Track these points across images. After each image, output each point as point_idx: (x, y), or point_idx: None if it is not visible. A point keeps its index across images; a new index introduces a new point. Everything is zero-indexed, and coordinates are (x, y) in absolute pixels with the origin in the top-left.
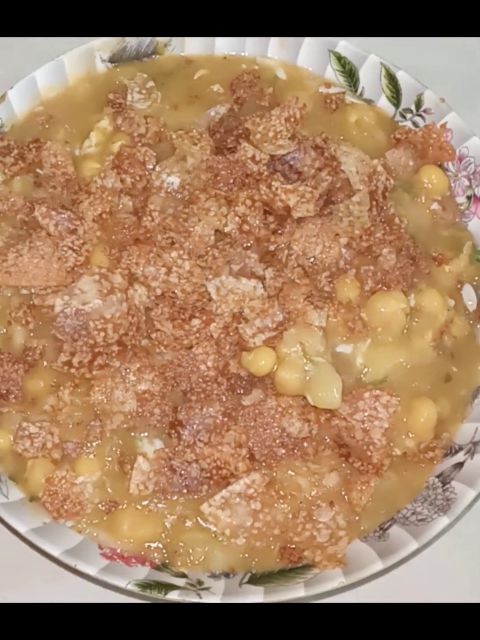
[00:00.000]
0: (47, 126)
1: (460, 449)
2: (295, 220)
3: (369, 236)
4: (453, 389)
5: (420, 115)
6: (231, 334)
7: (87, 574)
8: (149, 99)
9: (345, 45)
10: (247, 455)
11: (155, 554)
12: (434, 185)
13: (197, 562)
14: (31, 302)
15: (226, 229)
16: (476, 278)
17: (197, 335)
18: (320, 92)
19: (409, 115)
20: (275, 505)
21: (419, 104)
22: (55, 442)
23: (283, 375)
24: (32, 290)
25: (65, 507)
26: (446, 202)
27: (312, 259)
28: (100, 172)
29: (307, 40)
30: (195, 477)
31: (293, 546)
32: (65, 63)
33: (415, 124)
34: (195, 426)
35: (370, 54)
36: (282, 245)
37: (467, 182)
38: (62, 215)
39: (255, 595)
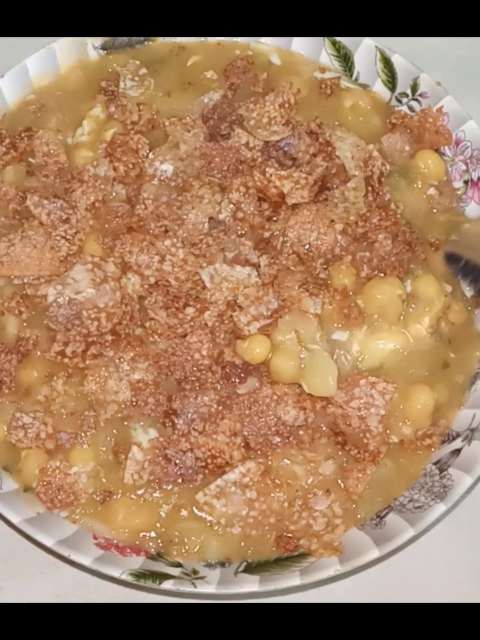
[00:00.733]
0: (39, 115)
1: (458, 435)
2: (290, 207)
3: (365, 222)
4: (450, 375)
5: (416, 99)
6: (226, 322)
7: (82, 564)
8: (142, 86)
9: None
10: (242, 444)
11: (150, 544)
12: (430, 169)
13: (192, 552)
14: (24, 292)
15: (220, 217)
16: None
17: (191, 323)
18: (315, 77)
19: (404, 100)
20: (271, 493)
21: (414, 88)
22: (49, 432)
23: (278, 363)
24: (25, 280)
25: (59, 497)
26: (443, 187)
27: (307, 246)
28: (92, 161)
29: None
30: (190, 466)
31: (289, 535)
32: (57, 51)
33: (411, 108)
34: (189, 415)
35: (365, 37)
36: (277, 232)
37: (464, 167)
38: (55, 204)
39: (251, 584)
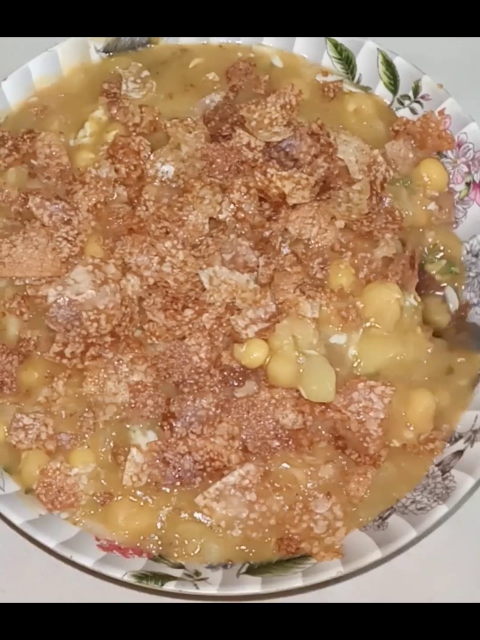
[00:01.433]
0: (41, 117)
1: (460, 437)
2: (290, 207)
3: (371, 223)
4: (453, 379)
5: (418, 102)
6: (224, 325)
7: (84, 565)
8: (144, 88)
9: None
10: (240, 448)
11: (151, 546)
12: (433, 180)
13: (192, 554)
14: (25, 293)
15: (221, 217)
16: (455, 284)
17: (190, 325)
18: (318, 80)
19: (406, 102)
20: (271, 497)
21: (416, 90)
22: (49, 433)
23: (276, 368)
24: (26, 281)
25: (60, 498)
26: (443, 200)
27: (307, 241)
28: (94, 162)
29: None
30: (188, 470)
31: (290, 537)
32: (59, 54)
33: (413, 110)
34: (187, 418)
35: (367, 40)
36: (277, 231)
37: (466, 169)
38: (57, 206)
39: (253, 586)
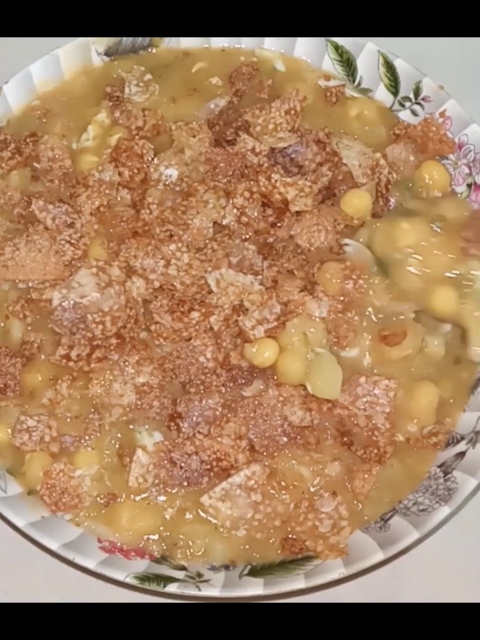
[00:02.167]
0: (44, 120)
1: (462, 438)
2: (293, 214)
3: None
4: (455, 371)
5: (419, 103)
6: (231, 326)
7: (86, 567)
8: (147, 92)
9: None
10: (247, 447)
11: (154, 547)
12: (435, 181)
13: (197, 554)
14: (29, 296)
15: (225, 221)
16: None
17: (197, 327)
18: (320, 85)
19: (407, 104)
20: (277, 496)
21: (417, 92)
22: (53, 435)
23: (286, 364)
24: (30, 284)
25: (63, 500)
26: None
27: (316, 246)
28: (97, 166)
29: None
30: (195, 469)
31: (294, 537)
32: (60, 57)
33: (414, 112)
34: (194, 418)
35: (368, 42)
36: (280, 238)
37: (467, 170)
38: (60, 209)
39: (255, 587)
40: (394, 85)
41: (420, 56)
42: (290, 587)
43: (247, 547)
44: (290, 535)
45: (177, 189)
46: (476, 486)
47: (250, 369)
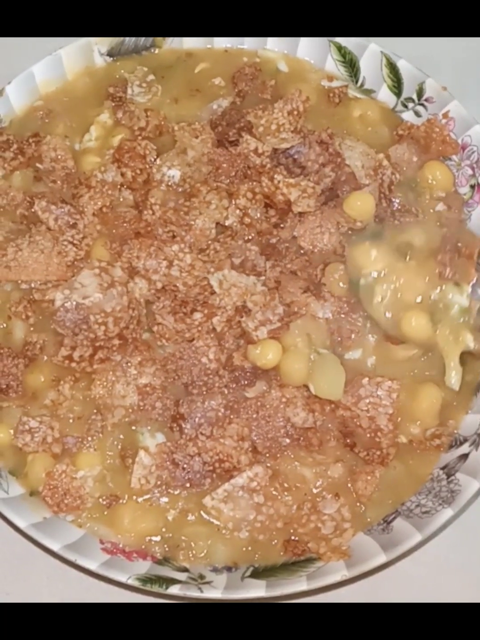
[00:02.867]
0: (46, 121)
1: (465, 440)
2: (296, 215)
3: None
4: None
5: (422, 105)
6: (234, 327)
7: (88, 568)
8: (150, 93)
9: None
10: (250, 449)
11: (157, 548)
12: (439, 181)
13: (199, 556)
14: (31, 297)
15: (227, 222)
16: None
17: (199, 328)
18: (323, 86)
19: (410, 105)
20: (280, 497)
21: (420, 93)
22: (55, 436)
23: (289, 365)
24: (32, 285)
25: (66, 501)
26: (451, 200)
27: (318, 248)
28: (100, 166)
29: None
30: (198, 471)
31: (297, 539)
32: (63, 57)
33: (417, 113)
34: (197, 419)
35: (371, 43)
36: (283, 239)
37: (470, 171)
38: (62, 210)
39: (257, 589)
40: (397, 86)
41: (423, 57)
42: (293, 589)
43: (250, 548)
44: (292, 537)
45: (180, 189)
46: (479, 488)
47: (253, 370)
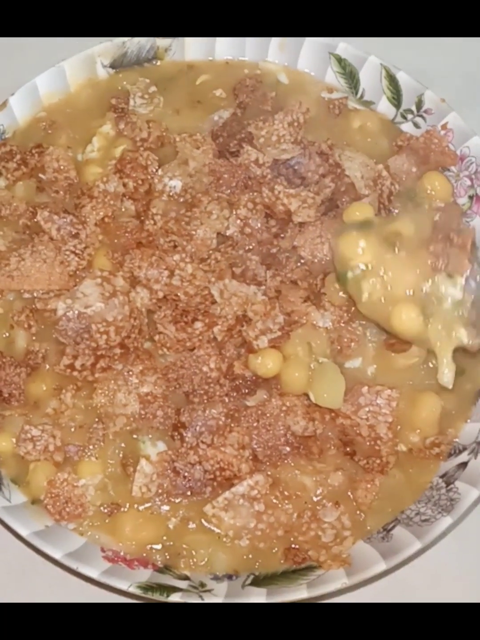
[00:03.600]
0: (49, 132)
1: (464, 448)
2: (296, 225)
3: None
4: (459, 382)
5: (421, 116)
6: (235, 336)
7: (89, 576)
8: (151, 104)
9: (345, 46)
10: (250, 457)
11: (158, 556)
12: (437, 191)
13: (200, 564)
14: (33, 306)
15: (228, 232)
16: None
17: (200, 337)
18: (323, 97)
19: (409, 116)
20: (280, 505)
21: (419, 104)
22: (57, 445)
23: (289, 374)
24: (35, 294)
25: (67, 509)
26: (450, 210)
27: (318, 259)
28: (102, 177)
29: (307, 42)
30: (198, 479)
31: (297, 547)
32: (66, 69)
33: (416, 124)
34: (198, 428)
35: (370, 55)
36: (283, 249)
37: (468, 182)
38: (65, 220)
39: (258, 597)
40: (396, 98)
41: (422, 69)
42: (293, 597)
43: (250, 556)
44: (293, 545)
45: (181, 200)
46: (478, 496)
47: (254, 379)
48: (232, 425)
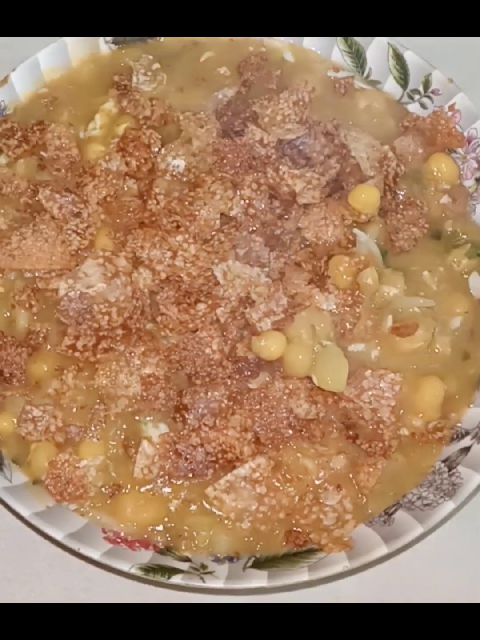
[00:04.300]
0: (51, 108)
1: (467, 433)
2: (301, 206)
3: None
4: (462, 367)
5: (428, 96)
6: (238, 318)
7: (91, 557)
8: (155, 81)
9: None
10: (253, 439)
11: (159, 538)
12: (443, 173)
13: (201, 546)
14: (35, 286)
15: (232, 213)
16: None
17: (203, 319)
18: (329, 77)
19: (416, 97)
20: (282, 488)
21: (426, 84)
22: (58, 425)
23: (293, 356)
24: (36, 274)
25: (68, 490)
26: (456, 192)
27: (322, 241)
28: (105, 155)
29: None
30: (200, 461)
31: (298, 529)
32: (68, 45)
33: (423, 105)
34: (200, 410)
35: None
36: (287, 230)
37: (475, 164)
38: (66, 198)
39: (259, 580)
40: (403, 78)
41: (430, 48)
42: (294, 579)
43: (251, 539)
44: (294, 528)
45: (184, 179)
46: None
47: (257, 361)
48: (235, 407)
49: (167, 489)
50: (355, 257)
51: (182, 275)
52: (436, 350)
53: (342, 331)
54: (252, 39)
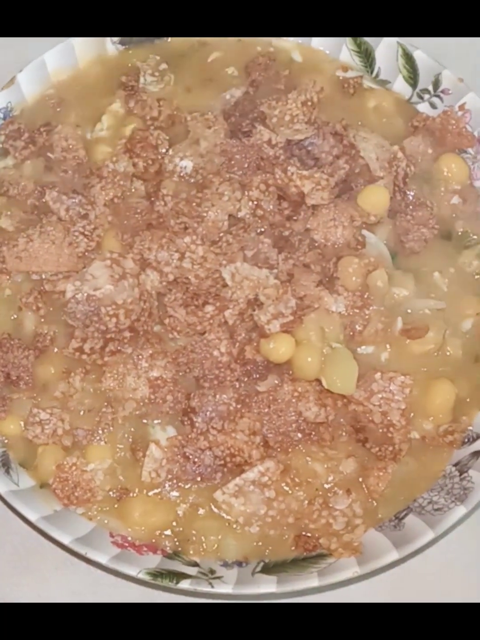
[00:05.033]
0: (58, 109)
1: (478, 437)
2: (309, 207)
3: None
4: (472, 371)
5: (437, 96)
6: (246, 320)
7: (98, 562)
8: (162, 82)
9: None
10: (261, 443)
11: (167, 542)
12: (454, 174)
13: (210, 550)
14: (42, 288)
15: (240, 214)
16: None
17: (211, 321)
18: (338, 77)
19: (426, 96)
20: (291, 492)
21: (436, 84)
22: (65, 428)
23: (302, 359)
24: (43, 276)
25: (76, 494)
26: (466, 193)
27: (331, 242)
28: (112, 156)
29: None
30: (208, 465)
31: (308, 534)
32: (75, 45)
33: (432, 105)
34: (208, 413)
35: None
36: (296, 232)
37: None
38: (73, 200)
39: (268, 585)
40: (412, 77)
41: (439, 48)
42: (304, 585)
43: (260, 543)
44: (303, 533)
45: (192, 180)
46: None
47: (265, 364)
48: (243, 410)
49: (175, 493)
50: (365, 259)
51: (189, 277)
52: (447, 353)
53: (351, 333)
54: (260, 39)
